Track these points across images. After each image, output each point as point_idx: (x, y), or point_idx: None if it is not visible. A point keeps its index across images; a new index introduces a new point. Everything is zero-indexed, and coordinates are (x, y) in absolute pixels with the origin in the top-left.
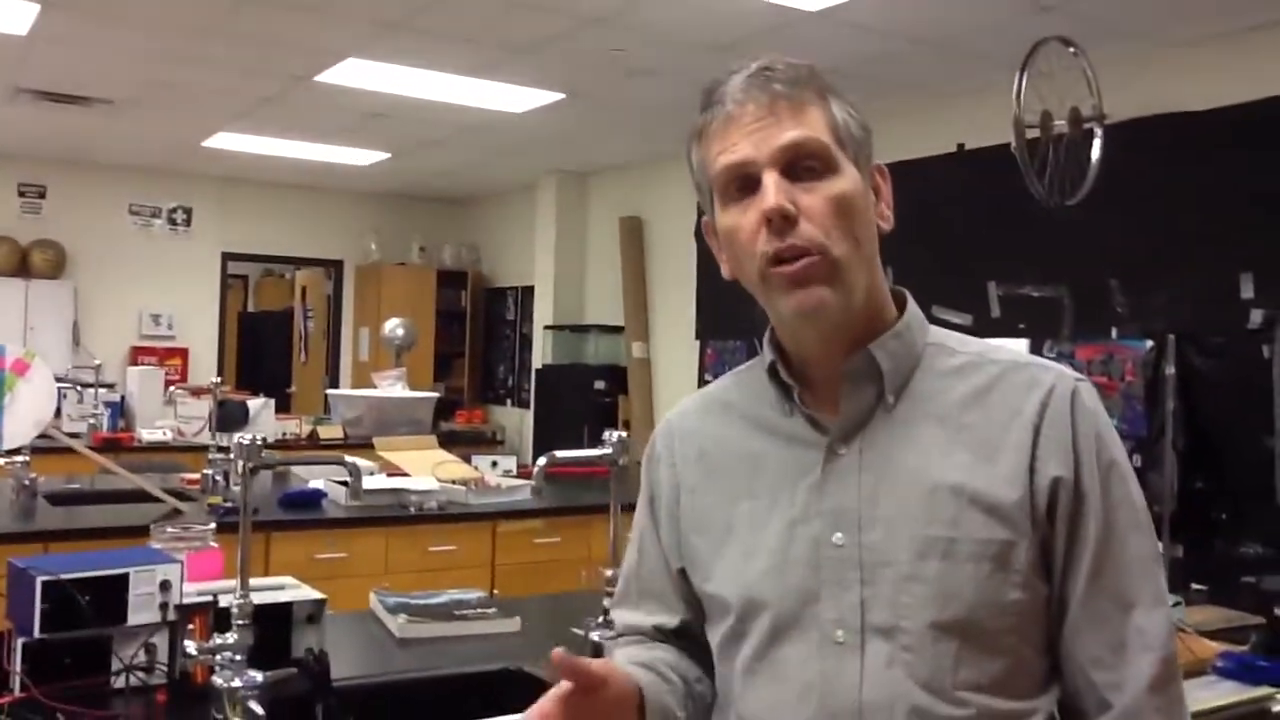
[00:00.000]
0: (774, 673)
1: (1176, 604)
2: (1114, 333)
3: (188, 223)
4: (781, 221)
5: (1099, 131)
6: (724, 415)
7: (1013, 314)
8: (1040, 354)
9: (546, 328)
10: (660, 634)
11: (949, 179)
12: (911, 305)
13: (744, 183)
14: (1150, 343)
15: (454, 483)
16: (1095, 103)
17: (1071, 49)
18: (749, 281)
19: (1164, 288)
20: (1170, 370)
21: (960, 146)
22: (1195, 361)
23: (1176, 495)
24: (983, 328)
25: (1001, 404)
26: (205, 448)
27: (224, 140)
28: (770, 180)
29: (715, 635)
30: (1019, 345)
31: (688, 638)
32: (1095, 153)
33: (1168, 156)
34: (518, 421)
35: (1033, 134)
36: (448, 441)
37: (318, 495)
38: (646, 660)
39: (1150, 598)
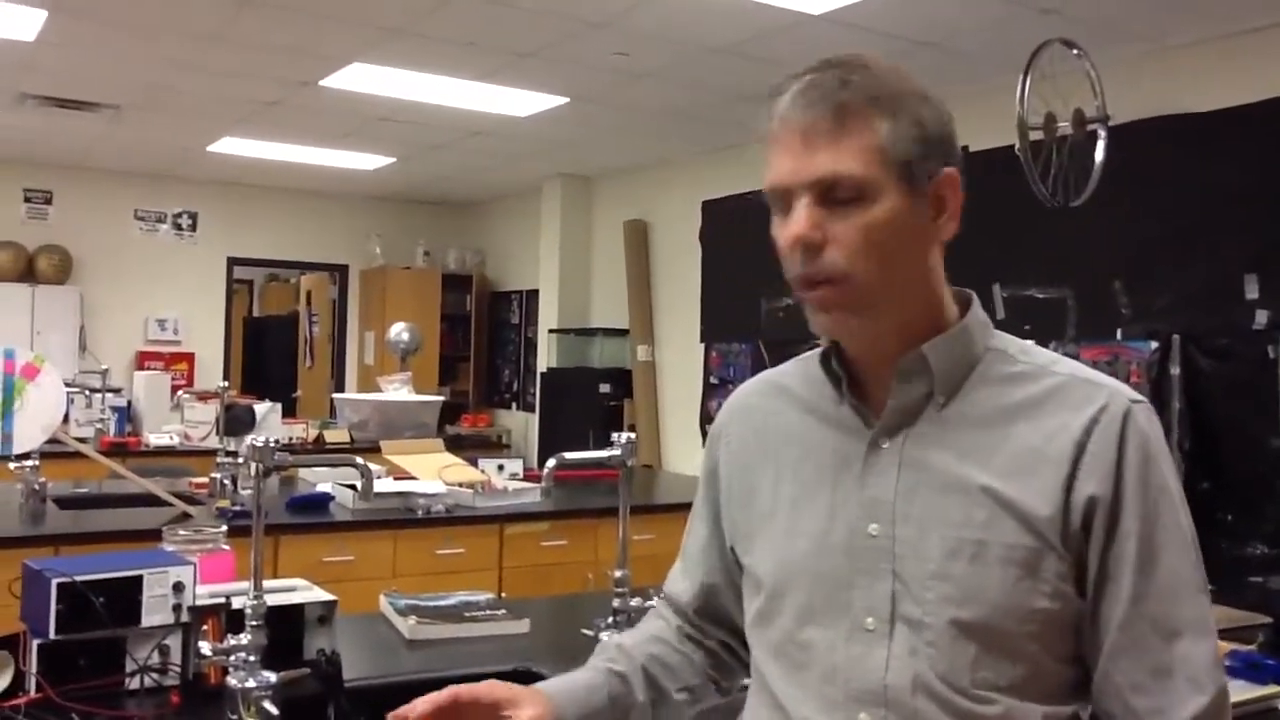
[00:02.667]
0: (801, 655)
1: None
2: (1119, 334)
3: (193, 228)
4: (806, 250)
5: (1103, 133)
6: (780, 398)
7: (1018, 315)
8: None
9: (551, 331)
10: (687, 612)
11: None
12: (975, 310)
13: (784, 200)
14: (1155, 344)
15: (461, 486)
16: (1099, 104)
17: (1075, 51)
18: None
19: (1168, 289)
20: (1175, 371)
21: (964, 148)
22: (1200, 362)
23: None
24: None
25: (1051, 417)
26: (212, 452)
27: (229, 145)
28: (800, 205)
29: (749, 611)
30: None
31: (711, 619)
32: (1099, 154)
33: (1171, 157)
34: (523, 425)
35: (1036, 136)
36: (453, 445)
37: (325, 498)
38: (619, 662)
39: (1196, 626)
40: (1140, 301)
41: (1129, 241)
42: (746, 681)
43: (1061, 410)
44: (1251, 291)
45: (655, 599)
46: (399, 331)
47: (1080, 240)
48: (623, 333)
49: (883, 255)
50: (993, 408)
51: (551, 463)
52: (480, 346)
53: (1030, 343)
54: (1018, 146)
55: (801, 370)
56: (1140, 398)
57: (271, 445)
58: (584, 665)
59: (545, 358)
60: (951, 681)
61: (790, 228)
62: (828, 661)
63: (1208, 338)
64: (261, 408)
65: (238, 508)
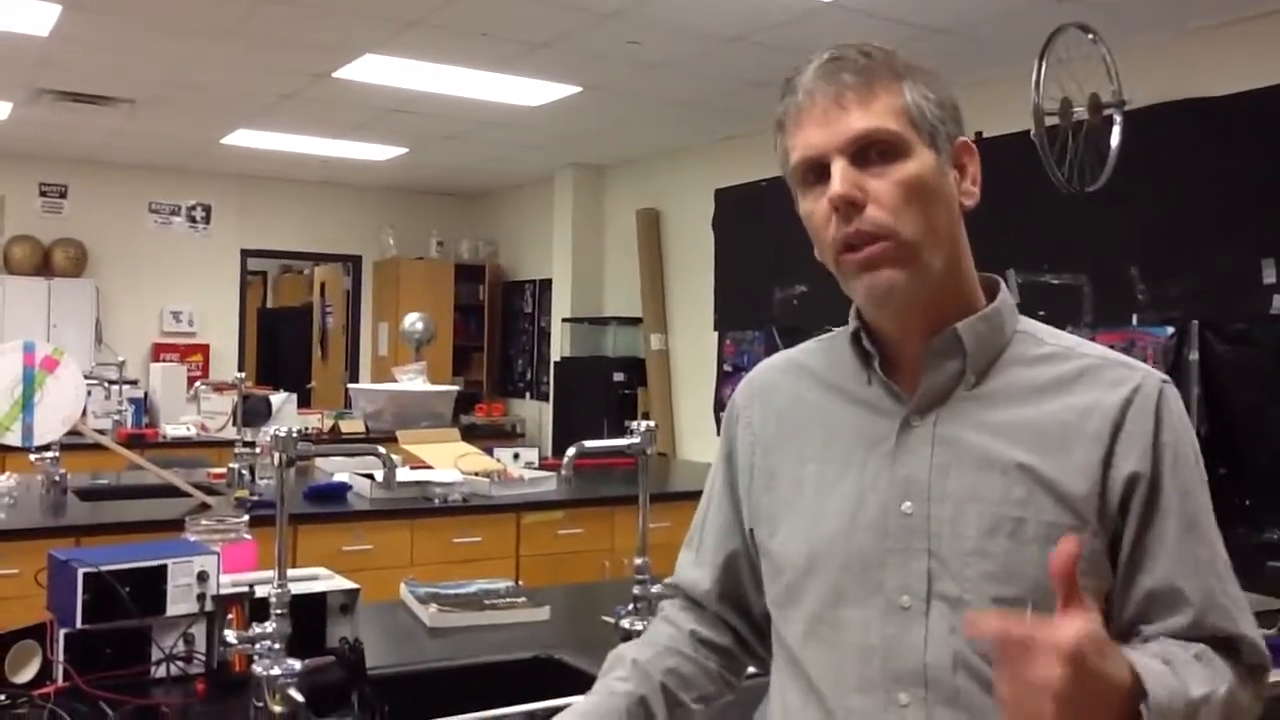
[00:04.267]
0: (834, 635)
1: None
2: (1134, 320)
3: (207, 220)
4: (848, 208)
5: (1118, 118)
6: (802, 377)
7: (1033, 301)
8: None
9: (564, 320)
10: (705, 601)
11: None
12: (1004, 292)
13: (817, 171)
14: (1171, 329)
15: (477, 475)
16: (1115, 89)
17: (1090, 35)
18: (827, 265)
19: (1184, 274)
20: (1193, 357)
21: (979, 134)
22: (1217, 348)
23: None
24: None
25: (1084, 395)
26: (229, 443)
27: (243, 137)
28: (838, 168)
29: (771, 593)
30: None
31: (731, 605)
32: (1115, 139)
33: (1187, 142)
34: (537, 414)
35: (1052, 121)
36: (468, 435)
37: (343, 488)
38: (637, 683)
39: (1242, 606)
40: (1156, 287)
41: (1145, 227)
42: (751, 671)
43: (1094, 388)
44: (1269, 276)
45: (663, 601)
46: (413, 322)
47: (1096, 226)
48: (636, 321)
49: (921, 209)
50: (1024, 386)
51: (572, 451)
52: (494, 336)
53: (1052, 327)
54: (1033, 132)
55: (824, 350)
56: (1167, 378)
57: (294, 435)
58: (599, 690)
59: (559, 347)
60: (993, 660)
61: (831, 189)
62: (863, 641)
63: (1224, 323)
64: (277, 398)
65: (256, 498)
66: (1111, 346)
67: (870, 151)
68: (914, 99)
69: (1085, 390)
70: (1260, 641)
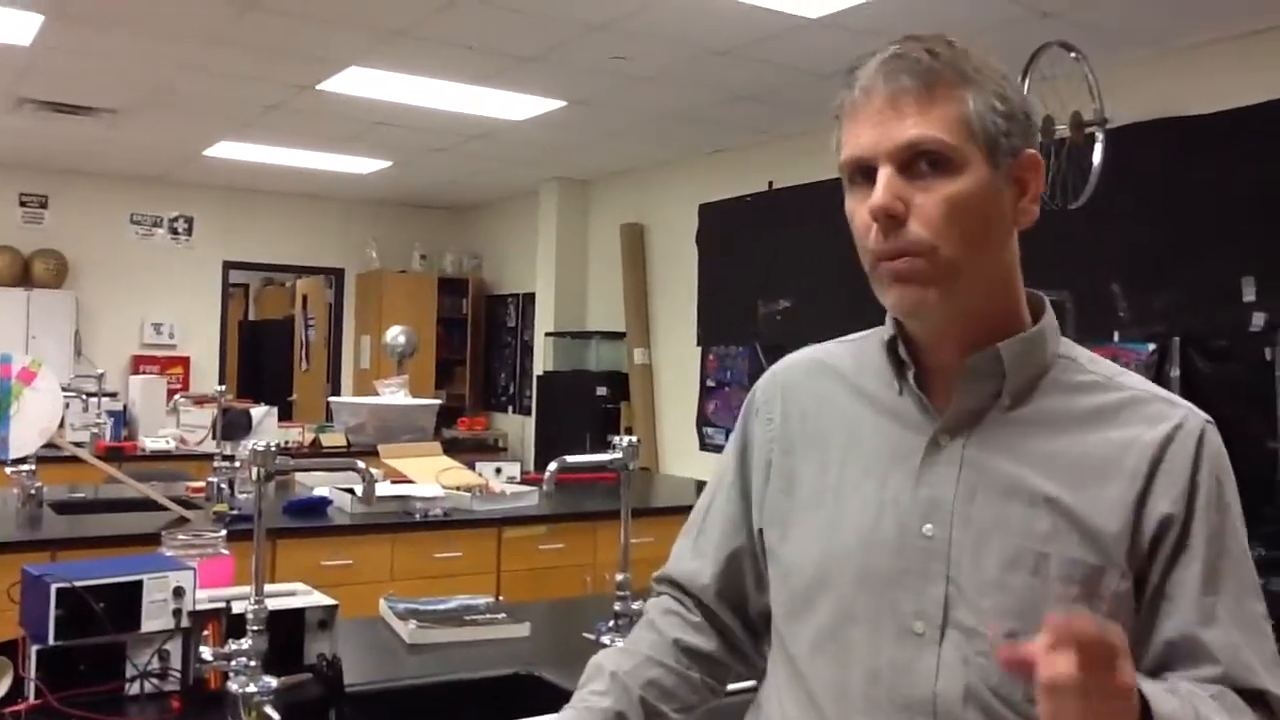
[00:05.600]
0: (842, 654)
1: None
2: (1116, 336)
3: (189, 232)
4: (888, 220)
5: (1100, 135)
6: (830, 379)
7: None
8: None
9: (548, 334)
10: (702, 595)
11: None
12: (1049, 314)
13: (864, 172)
14: (1153, 346)
15: (459, 489)
16: (1097, 107)
17: (1073, 54)
18: (864, 267)
19: (1166, 291)
20: (1174, 373)
21: None
22: (1198, 364)
23: None
24: None
25: (1125, 430)
26: (209, 456)
27: (225, 149)
28: (883, 177)
29: (778, 600)
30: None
31: (728, 601)
32: (1097, 157)
33: (1169, 160)
34: (519, 428)
35: None
36: (450, 449)
37: (323, 503)
38: (614, 698)
39: (1266, 661)
40: (1138, 304)
41: (1127, 244)
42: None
43: (1135, 423)
44: (1249, 294)
45: (650, 601)
46: (395, 335)
47: (1078, 243)
48: (619, 336)
49: (966, 229)
50: (1062, 414)
51: (553, 466)
52: (477, 350)
53: (1093, 354)
54: None
55: (854, 353)
56: (1210, 419)
57: (272, 449)
58: (575, 704)
59: (542, 361)
60: (1004, 695)
61: (873, 198)
62: (871, 663)
63: (1205, 340)
64: (258, 412)
65: (235, 512)
66: None
67: (920, 161)
68: (977, 109)
69: (1126, 424)
70: None
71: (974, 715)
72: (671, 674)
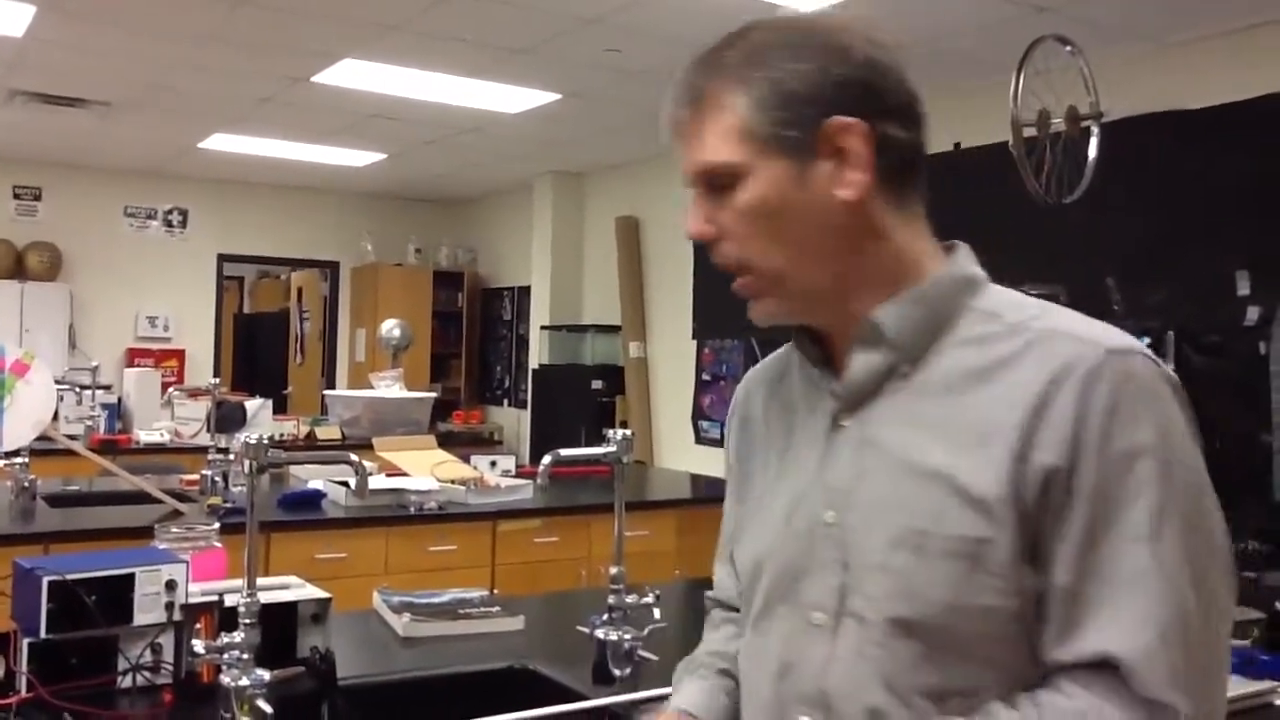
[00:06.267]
0: (760, 644)
1: None
2: None
3: (184, 224)
4: (707, 244)
5: (1096, 129)
6: (772, 381)
7: None
8: None
9: (543, 328)
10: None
11: (945, 177)
12: (953, 264)
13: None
14: (1147, 340)
15: (453, 482)
16: (1092, 100)
17: (1068, 47)
18: None
19: (1161, 285)
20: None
21: (956, 145)
22: (1192, 358)
23: None
24: None
25: (1012, 380)
26: (203, 449)
27: (220, 142)
28: (691, 203)
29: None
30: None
31: None
32: (1092, 151)
33: (1165, 154)
34: (515, 422)
35: (1030, 132)
36: (445, 442)
37: (317, 496)
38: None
39: (1130, 624)
40: (1132, 298)
41: (1122, 238)
42: None
43: (1025, 371)
44: (1243, 288)
45: (709, 613)
46: (390, 328)
47: (1073, 237)
48: (615, 329)
49: (771, 236)
50: (958, 374)
51: (548, 459)
52: (472, 343)
53: (1037, 299)
54: (1011, 143)
55: (789, 350)
56: (1135, 346)
57: (265, 442)
58: (688, 686)
59: (537, 354)
60: (894, 687)
61: (686, 226)
62: (781, 656)
63: (1200, 334)
64: (252, 405)
65: (229, 505)
66: None
67: (715, 182)
68: (747, 112)
69: (1015, 374)
70: (1159, 670)
71: (863, 710)
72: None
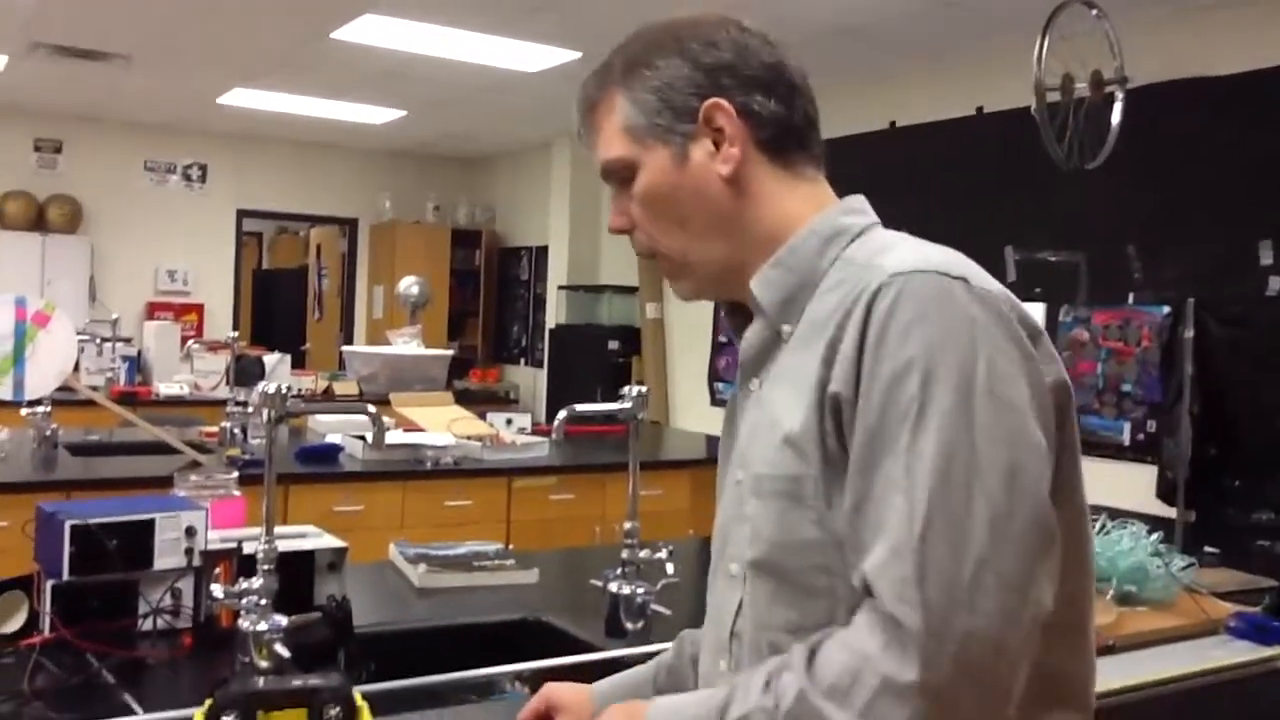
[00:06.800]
0: (710, 601)
1: (1189, 565)
2: (1131, 298)
3: (203, 179)
4: (628, 236)
5: (1120, 95)
6: None
7: (1030, 279)
8: (1057, 319)
9: (560, 288)
10: None
11: (968, 141)
12: (819, 219)
13: None
14: (1167, 309)
15: (469, 439)
16: (1118, 65)
17: (1094, 11)
18: None
19: (1182, 254)
20: (1187, 334)
21: (979, 109)
22: (1212, 328)
23: (1190, 461)
24: None
25: (829, 322)
26: (222, 402)
27: (240, 97)
28: (610, 200)
29: None
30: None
31: None
32: (1116, 116)
33: (1188, 121)
34: (531, 381)
35: (1053, 97)
36: (462, 400)
37: (335, 449)
38: (673, 655)
39: (873, 541)
40: (1153, 266)
41: (1143, 206)
42: None
43: (836, 308)
44: (1266, 257)
45: None
46: (408, 285)
47: (1095, 203)
48: (631, 290)
49: (667, 219)
50: (810, 325)
51: (563, 414)
52: (489, 302)
53: (912, 240)
54: (1034, 108)
55: None
56: (922, 266)
57: (283, 392)
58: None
59: (554, 314)
60: (766, 628)
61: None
62: (713, 605)
63: (1221, 304)
64: (271, 359)
65: (248, 456)
66: (1107, 326)
67: (617, 176)
68: (628, 110)
69: (833, 315)
70: (888, 583)
71: (751, 652)
72: None
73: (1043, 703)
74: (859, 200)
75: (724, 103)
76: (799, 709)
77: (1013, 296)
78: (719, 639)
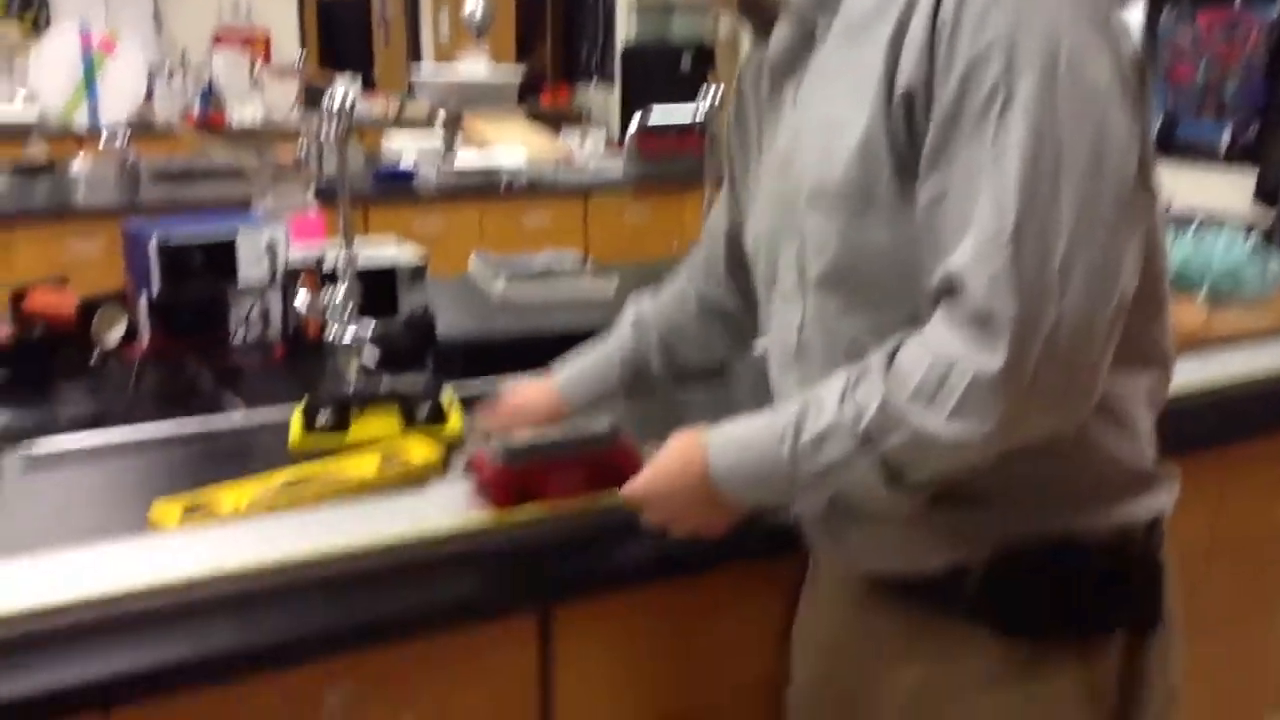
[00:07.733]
0: (770, 317)
1: None
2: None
3: None
4: None
5: None
6: (760, 67)
7: None
8: (1158, 19)
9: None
10: (724, 246)
11: None
12: None
13: None
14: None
15: (543, 158)
16: None
17: None
18: None
19: None
20: None
21: None
22: None
23: None
24: None
25: (885, 12)
26: (294, 134)
27: None
28: None
29: None
30: None
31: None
32: None
33: None
34: (602, 102)
35: None
36: (533, 120)
37: (409, 175)
38: (634, 342)
39: (958, 234)
40: None
41: None
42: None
43: (896, 2)
44: None
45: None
46: (473, 7)
47: None
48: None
49: None
50: (856, 20)
51: (637, 121)
52: (558, 19)
53: None
54: None
55: None
56: None
57: (351, 101)
58: (603, 340)
59: (624, 30)
60: (837, 333)
61: None
62: (774, 325)
63: None
64: (340, 83)
65: (324, 178)
66: (1212, 24)
67: None
68: None
69: (892, 5)
70: (979, 277)
71: (814, 363)
72: (694, 320)
73: (1125, 362)
74: None
75: None
76: (881, 417)
77: None
78: (784, 353)
